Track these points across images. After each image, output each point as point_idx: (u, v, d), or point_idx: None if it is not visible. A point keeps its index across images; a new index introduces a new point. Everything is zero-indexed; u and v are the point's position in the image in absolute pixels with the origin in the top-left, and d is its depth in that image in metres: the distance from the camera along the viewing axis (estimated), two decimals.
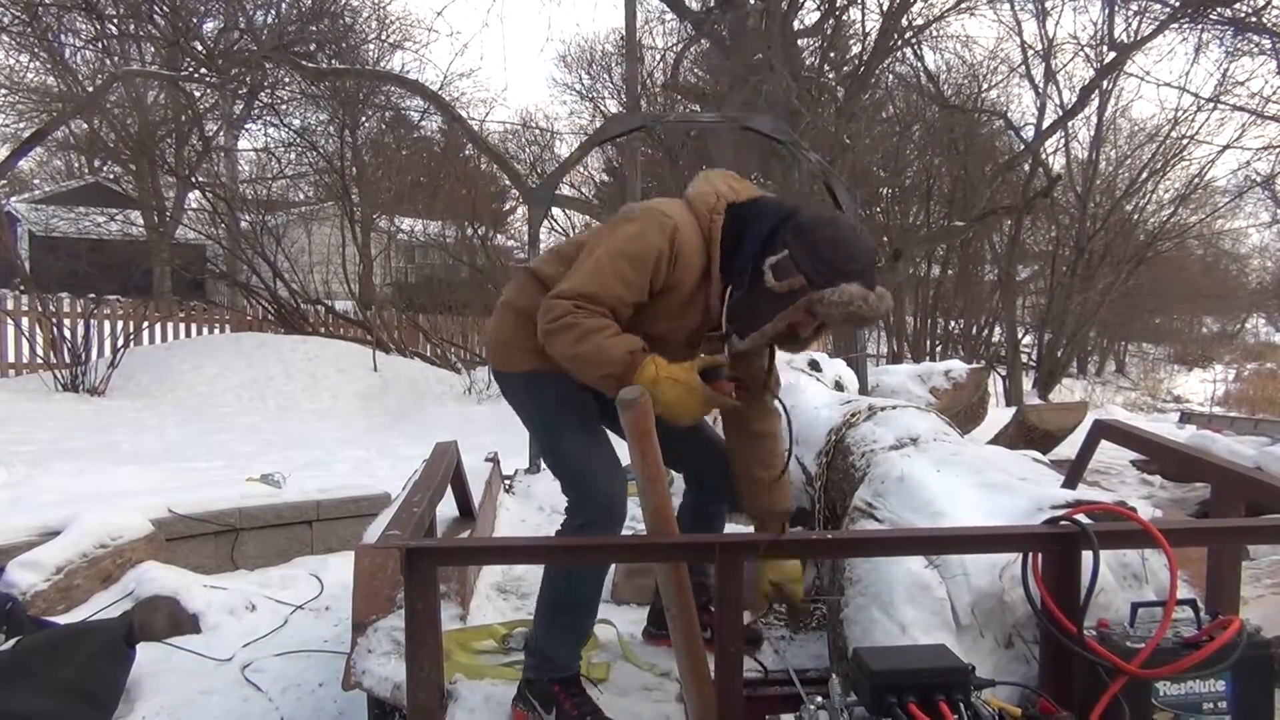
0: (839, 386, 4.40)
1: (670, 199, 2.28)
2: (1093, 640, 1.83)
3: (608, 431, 2.37)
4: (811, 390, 3.54)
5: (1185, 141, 15.99)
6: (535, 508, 4.09)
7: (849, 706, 1.69)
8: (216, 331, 14.51)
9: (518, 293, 2.37)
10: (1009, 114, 15.86)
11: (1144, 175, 16.89)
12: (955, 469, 2.46)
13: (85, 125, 16.15)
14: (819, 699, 1.74)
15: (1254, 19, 11.59)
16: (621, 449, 2.17)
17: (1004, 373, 15.37)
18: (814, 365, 4.33)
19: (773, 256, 2.07)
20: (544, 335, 2.14)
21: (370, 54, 15.43)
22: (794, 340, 2.20)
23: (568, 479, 2.31)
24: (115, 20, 13.38)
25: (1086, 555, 1.88)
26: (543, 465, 4.54)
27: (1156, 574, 2.13)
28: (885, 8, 12.72)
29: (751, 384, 2.38)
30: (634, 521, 2.87)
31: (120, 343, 11.52)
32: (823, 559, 2.64)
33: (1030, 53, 14.94)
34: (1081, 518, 1.93)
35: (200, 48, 13.08)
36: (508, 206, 20.54)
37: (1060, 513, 2.00)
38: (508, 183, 16.40)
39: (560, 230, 18.47)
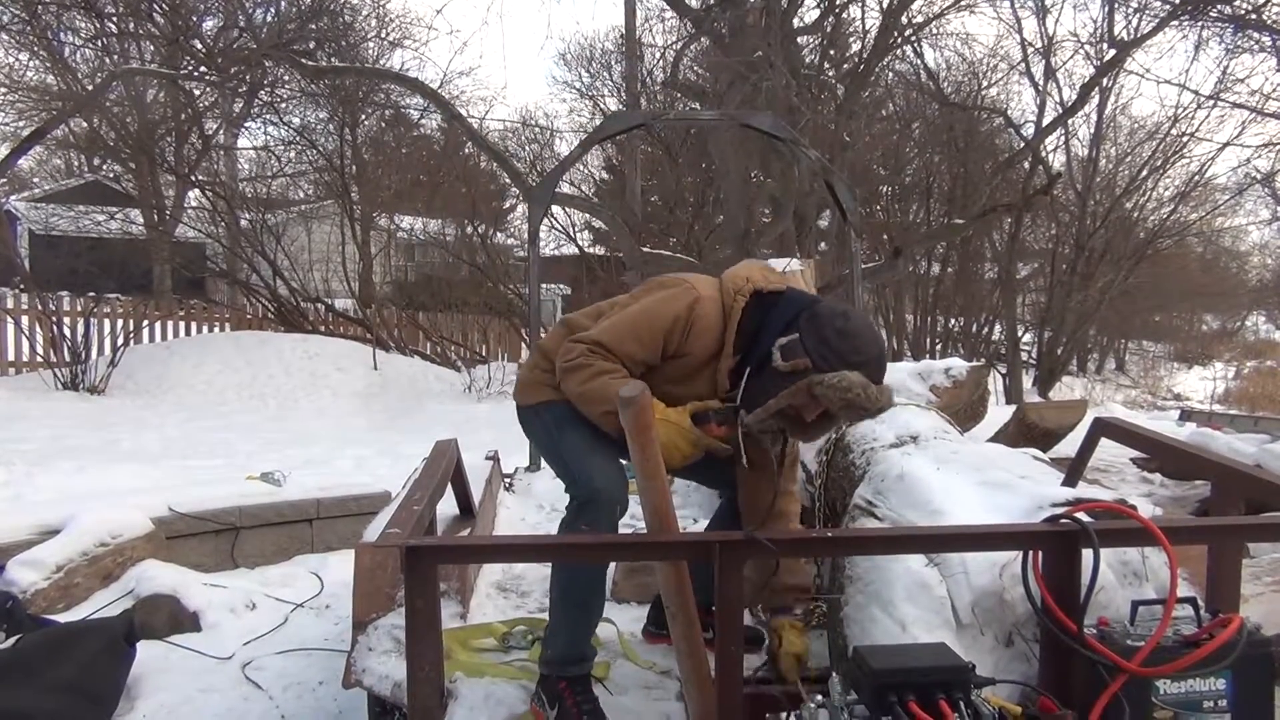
0: None
1: (707, 276, 2.39)
2: (1093, 638, 1.83)
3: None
4: None
5: (1185, 139, 16.01)
6: (535, 506, 4.10)
7: (849, 705, 1.69)
8: (216, 330, 14.51)
9: (550, 338, 2.51)
10: (1009, 111, 15.86)
11: (1144, 173, 16.91)
12: (955, 467, 2.46)
13: (85, 124, 16.13)
14: (819, 698, 1.74)
15: (1254, 16, 11.57)
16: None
17: (1004, 370, 15.38)
18: None
19: (784, 339, 2.14)
20: (560, 373, 2.29)
21: (370, 52, 15.41)
22: (801, 426, 2.24)
23: (564, 470, 2.38)
24: (115, 19, 13.37)
25: (1087, 553, 1.88)
26: (543, 464, 4.55)
27: (1157, 572, 2.13)
28: (885, 5, 12.68)
29: (763, 468, 2.46)
30: (634, 520, 2.87)
31: (120, 341, 11.53)
32: (823, 557, 2.64)
33: (1030, 50, 14.93)
34: (1082, 516, 1.93)
35: (200, 46, 13.06)
36: (507, 204, 20.56)
37: (1060, 511, 2.01)
38: (507, 181, 16.38)
39: (560, 228, 18.47)
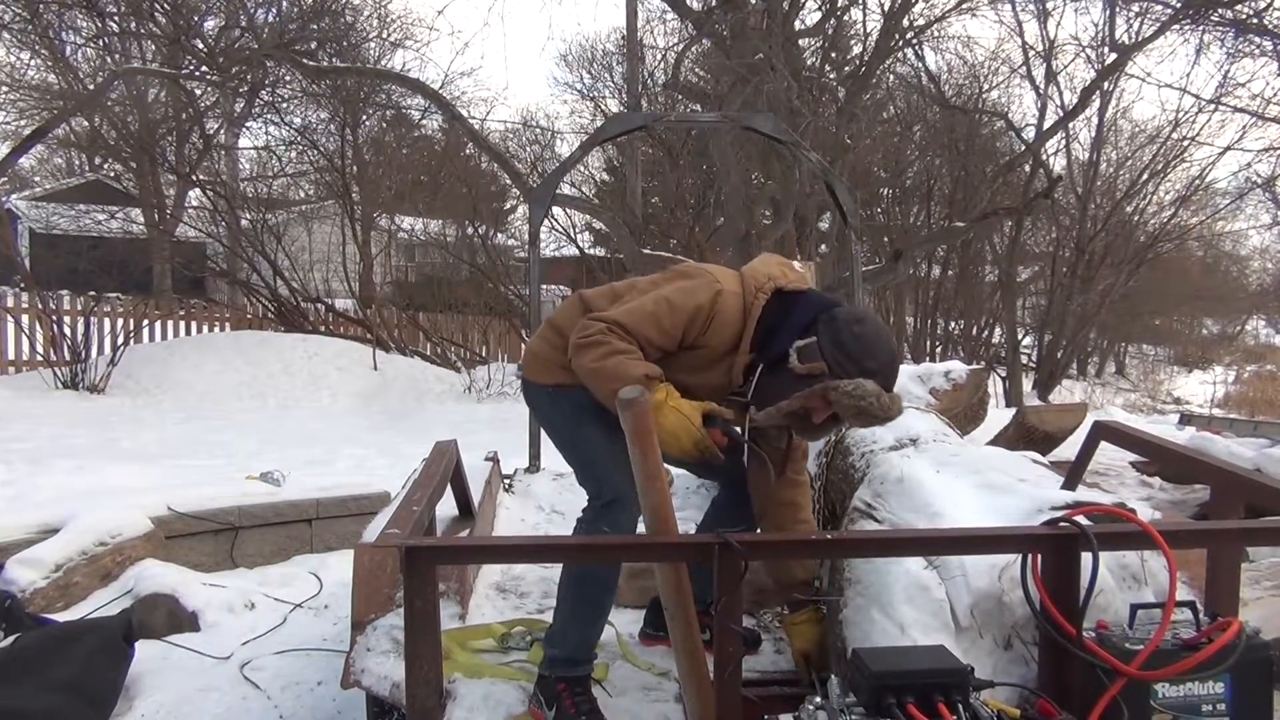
0: None
1: (729, 270, 2.39)
2: (1092, 642, 1.83)
3: None
4: None
5: (1186, 143, 15.99)
6: (535, 507, 4.09)
7: (848, 707, 1.69)
8: (216, 329, 14.51)
9: (562, 313, 2.49)
10: (1010, 115, 15.84)
11: (1145, 176, 16.88)
12: (955, 470, 2.46)
13: (86, 123, 16.14)
14: (818, 699, 1.74)
15: (1255, 20, 11.58)
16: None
17: (1004, 374, 15.37)
18: None
19: (801, 341, 2.17)
20: (573, 349, 2.24)
21: (371, 52, 15.42)
22: (808, 426, 2.27)
23: (584, 468, 2.38)
24: (116, 18, 13.38)
25: (1086, 557, 1.88)
26: (543, 465, 4.55)
27: (1156, 575, 2.13)
28: (886, 8, 12.69)
29: (772, 461, 2.50)
30: None
31: (120, 340, 11.53)
32: (822, 559, 2.64)
33: (1031, 53, 14.93)
34: (1081, 519, 1.93)
35: (201, 46, 13.08)
36: (508, 205, 20.55)
37: (1060, 514, 2.00)
38: (508, 182, 16.39)
39: (560, 229, 18.47)
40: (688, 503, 4.03)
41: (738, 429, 2.30)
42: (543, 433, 2.73)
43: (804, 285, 2.35)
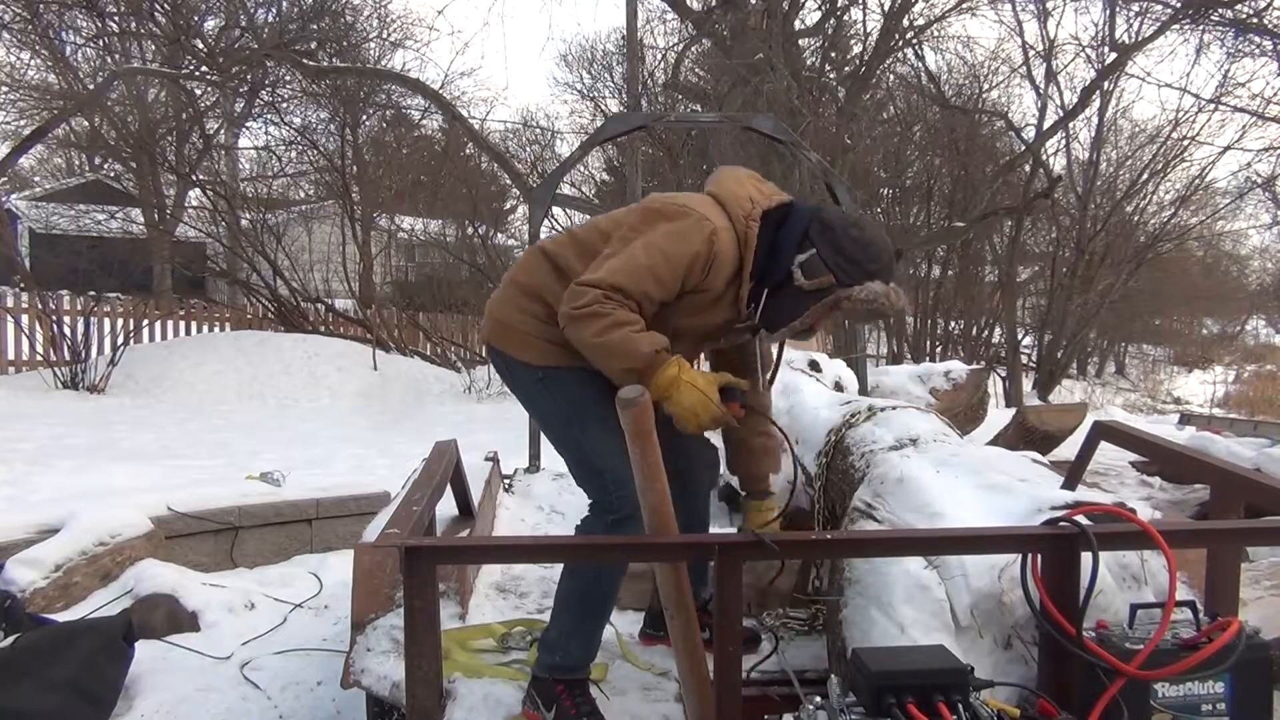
0: (839, 387, 4.39)
1: (701, 196, 2.28)
2: (1091, 641, 1.83)
3: None
4: (811, 391, 3.54)
5: (1186, 143, 15.98)
6: (535, 507, 4.09)
7: (848, 707, 1.69)
8: (216, 329, 14.51)
9: (525, 271, 2.35)
10: (1010, 114, 15.84)
11: (1145, 176, 16.87)
12: (955, 470, 2.45)
13: (86, 123, 16.13)
14: (818, 699, 1.73)
15: (1255, 20, 11.58)
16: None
17: (1004, 374, 15.36)
18: (814, 366, 4.32)
19: (801, 255, 2.15)
20: (567, 319, 2.12)
21: (371, 52, 15.44)
22: (807, 333, 2.30)
23: (590, 476, 2.27)
24: (116, 18, 13.38)
25: (1086, 556, 1.88)
26: (543, 465, 4.54)
27: (1155, 575, 2.13)
28: (886, 8, 12.71)
29: (765, 369, 2.51)
30: None
31: (120, 340, 11.53)
32: (822, 559, 2.64)
33: (1031, 53, 14.93)
34: (1081, 519, 1.93)
35: (201, 45, 13.09)
36: (508, 205, 20.57)
37: (1059, 514, 2.00)
38: (508, 182, 16.41)
39: (561, 229, 18.46)
40: None
41: (752, 389, 2.32)
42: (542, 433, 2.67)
43: (782, 197, 2.30)
